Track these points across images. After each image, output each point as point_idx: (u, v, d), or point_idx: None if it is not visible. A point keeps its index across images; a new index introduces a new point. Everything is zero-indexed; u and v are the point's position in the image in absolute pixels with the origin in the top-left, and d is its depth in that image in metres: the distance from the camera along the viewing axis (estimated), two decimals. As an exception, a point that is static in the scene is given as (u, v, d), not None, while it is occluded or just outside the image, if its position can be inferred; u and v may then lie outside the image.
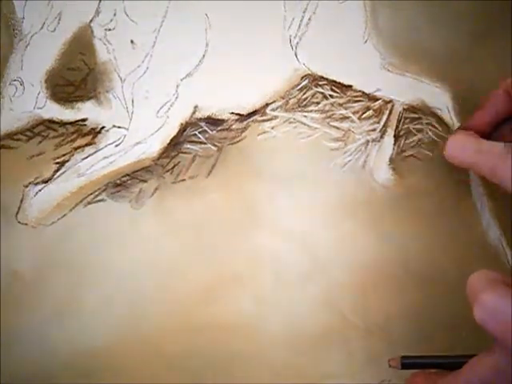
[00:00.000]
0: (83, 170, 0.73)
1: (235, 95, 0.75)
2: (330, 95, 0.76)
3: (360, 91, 0.76)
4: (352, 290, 0.73)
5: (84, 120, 0.74)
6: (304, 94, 0.76)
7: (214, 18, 0.74)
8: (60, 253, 0.72)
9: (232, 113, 0.75)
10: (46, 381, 0.70)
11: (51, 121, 0.73)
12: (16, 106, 0.72)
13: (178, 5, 0.74)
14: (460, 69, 0.76)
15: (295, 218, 0.74)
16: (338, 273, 0.73)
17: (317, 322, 0.72)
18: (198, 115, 0.75)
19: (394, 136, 0.75)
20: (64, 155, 0.73)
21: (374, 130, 0.76)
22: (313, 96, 0.76)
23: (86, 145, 0.74)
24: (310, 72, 0.76)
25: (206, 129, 0.75)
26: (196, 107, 0.75)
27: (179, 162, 0.74)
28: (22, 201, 0.72)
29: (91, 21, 0.73)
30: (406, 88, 0.75)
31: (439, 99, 0.75)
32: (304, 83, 0.76)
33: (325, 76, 0.76)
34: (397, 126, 0.76)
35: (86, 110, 0.74)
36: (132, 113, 0.73)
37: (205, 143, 0.75)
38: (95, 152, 0.73)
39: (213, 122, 0.75)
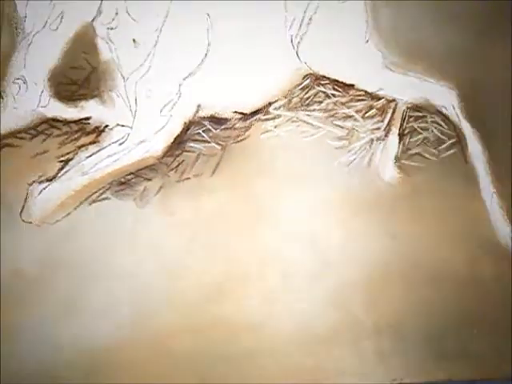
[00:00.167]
0: (87, 169, 0.73)
1: (238, 94, 0.75)
2: (333, 94, 0.76)
3: (362, 90, 0.76)
4: (361, 289, 0.73)
5: (88, 118, 0.74)
6: (306, 93, 0.76)
7: (216, 18, 0.74)
8: (64, 251, 0.71)
9: (235, 112, 0.75)
10: (50, 380, 0.69)
11: (55, 119, 0.73)
12: (19, 104, 0.72)
13: (179, 4, 0.74)
14: (463, 67, 0.76)
15: (300, 217, 0.74)
16: (347, 271, 0.73)
17: (327, 321, 0.72)
18: (202, 114, 0.75)
19: (399, 134, 0.76)
20: (68, 153, 0.73)
21: (378, 128, 0.76)
22: (315, 95, 0.77)
23: (90, 143, 0.73)
24: (311, 71, 0.76)
25: (210, 127, 0.75)
26: (199, 106, 0.75)
27: (183, 161, 0.74)
28: (26, 199, 0.72)
29: (93, 20, 0.73)
30: (408, 87, 0.76)
31: (444, 97, 0.76)
32: (306, 82, 0.76)
33: (326, 75, 0.76)
34: (401, 125, 0.76)
35: (89, 109, 0.74)
36: (135, 111, 0.73)
37: (209, 142, 0.75)
38: (99, 150, 0.73)
39: (216, 120, 0.75)
